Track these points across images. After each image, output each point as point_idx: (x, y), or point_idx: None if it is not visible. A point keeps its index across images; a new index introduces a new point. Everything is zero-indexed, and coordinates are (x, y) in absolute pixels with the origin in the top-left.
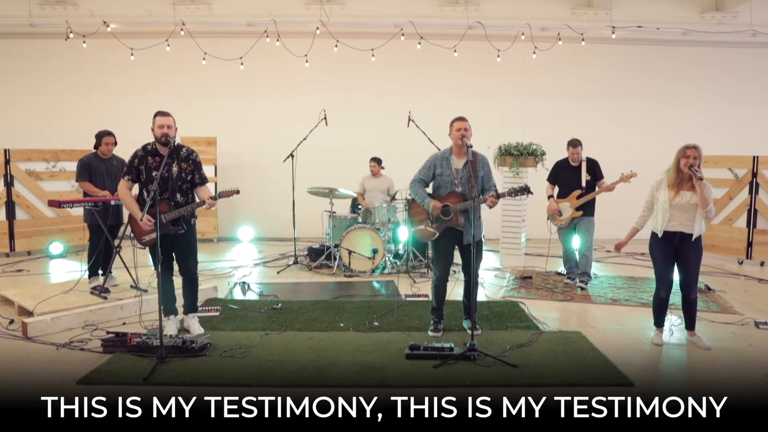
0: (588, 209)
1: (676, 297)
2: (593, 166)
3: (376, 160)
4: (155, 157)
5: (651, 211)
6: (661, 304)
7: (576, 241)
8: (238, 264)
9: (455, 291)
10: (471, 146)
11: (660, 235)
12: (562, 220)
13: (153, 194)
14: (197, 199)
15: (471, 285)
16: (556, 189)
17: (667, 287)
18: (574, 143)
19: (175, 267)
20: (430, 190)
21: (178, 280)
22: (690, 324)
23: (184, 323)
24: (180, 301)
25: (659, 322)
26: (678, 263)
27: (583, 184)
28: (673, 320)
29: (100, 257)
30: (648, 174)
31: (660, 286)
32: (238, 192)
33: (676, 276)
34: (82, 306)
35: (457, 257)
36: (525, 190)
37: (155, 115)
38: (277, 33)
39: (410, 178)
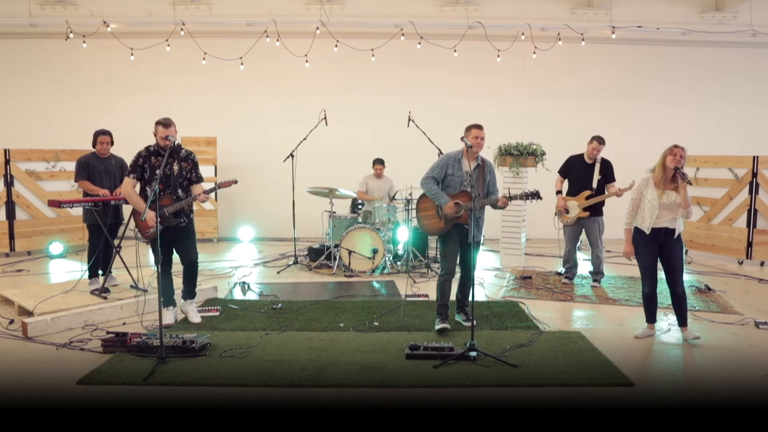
0: (595, 210)
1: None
2: (606, 167)
3: (382, 162)
4: (158, 157)
5: (638, 209)
6: (649, 300)
7: (581, 241)
8: (238, 264)
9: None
10: (471, 146)
11: (648, 233)
12: (568, 218)
13: (154, 192)
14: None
15: (468, 280)
16: (565, 183)
17: (651, 282)
18: (600, 140)
19: (175, 259)
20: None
21: (177, 280)
22: (682, 320)
23: (182, 308)
24: (179, 296)
25: (649, 318)
26: (662, 259)
27: (595, 184)
28: (672, 320)
29: (100, 257)
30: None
31: (645, 281)
32: (235, 182)
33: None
34: (82, 306)
35: None
36: (535, 195)
37: (157, 124)
38: (277, 33)
39: (410, 178)
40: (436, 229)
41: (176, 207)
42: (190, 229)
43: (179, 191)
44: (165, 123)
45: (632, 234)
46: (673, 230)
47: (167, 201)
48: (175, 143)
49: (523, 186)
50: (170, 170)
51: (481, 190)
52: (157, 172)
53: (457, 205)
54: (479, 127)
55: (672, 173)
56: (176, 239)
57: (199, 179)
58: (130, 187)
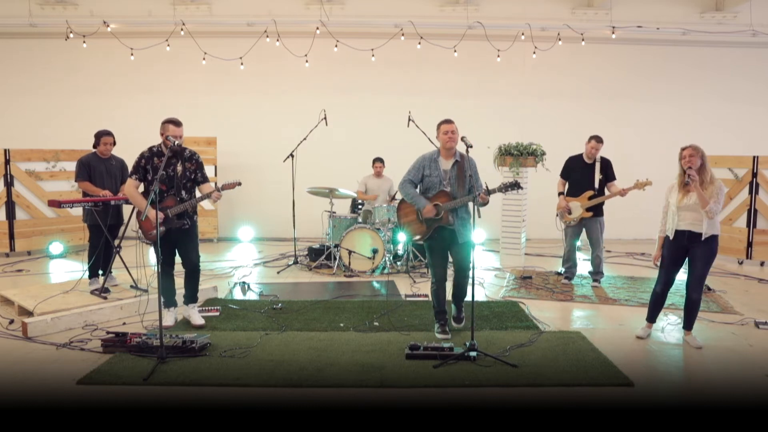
0: (597, 210)
1: (677, 297)
2: (606, 167)
3: (381, 161)
4: (161, 158)
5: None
6: (656, 299)
7: (582, 242)
8: (238, 264)
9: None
10: (471, 146)
11: (671, 237)
12: (571, 219)
13: (154, 192)
14: (199, 195)
15: (464, 281)
16: (566, 185)
17: (664, 283)
18: (599, 139)
19: (176, 261)
20: (418, 190)
21: (179, 280)
22: (688, 324)
23: (184, 313)
24: (180, 296)
25: (649, 317)
26: (688, 262)
27: (596, 184)
28: (672, 320)
29: (100, 257)
30: (648, 174)
31: (658, 281)
32: (239, 184)
33: (679, 277)
34: (82, 306)
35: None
36: (515, 186)
37: (168, 122)
38: (277, 33)
39: None
40: (418, 233)
41: (180, 209)
42: (193, 230)
43: (183, 192)
44: (176, 122)
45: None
46: (699, 234)
47: (171, 202)
48: (175, 143)
49: (524, 186)
50: (174, 171)
51: (461, 188)
52: (161, 172)
53: (436, 207)
54: (449, 121)
55: (684, 176)
56: (179, 240)
57: (205, 180)
58: (132, 188)
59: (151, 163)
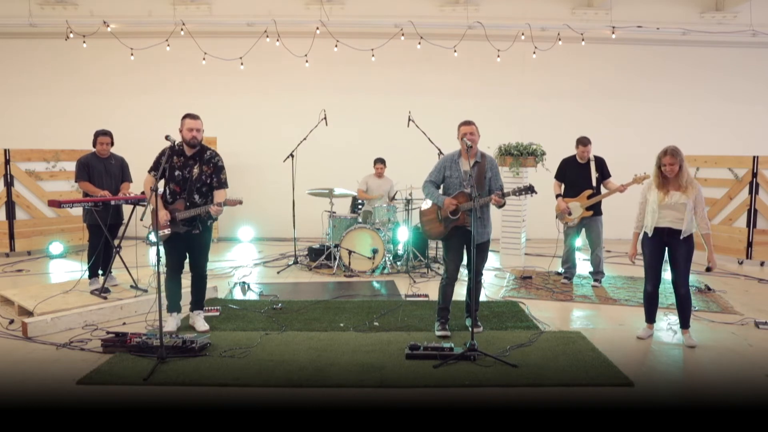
0: (597, 208)
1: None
2: (600, 165)
3: (383, 162)
4: (180, 156)
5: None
6: (649, 298)
7: (581, 242)
8: (238, 264)
9: (456, 291)
10: (471, 146)
11: (650, 234)
12: (571, 219)
13: (153, 190)
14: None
15: (473, 284)
16: (562, 187)
17: (652, 281)
18: (584, 141)
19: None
20: (440, 191)
21: (185, 282)
22: (683, 322)
23: (189, 320)
24: (186, 299)
25: (648, 318)
26: (669, 260)
27: (594, 183)
28: (672, 320)
29: (100, 257)
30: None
31: (646, 280)
32: (240, 202)
33: (666, 274)
34: (82, 306)
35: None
36: (529, 190)
37: (184, 117)
38: (277, 33)
39: (411, 178)
40: (436, 233)
41: (186, 215)
42: (206, 238)
43: (196, 196)
44: (193, 115)
45: (641, 237)
46: (678, 231)
47: (179, 206)
48: (176, 143)
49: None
50: (189, 173)
51: (480, 189)
52: (177, 173)
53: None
54: (467, 123)
55: (673, 176)
56: (191, 246)
57: (221, 185)
58: (149, 185)
59: (171, 161)
